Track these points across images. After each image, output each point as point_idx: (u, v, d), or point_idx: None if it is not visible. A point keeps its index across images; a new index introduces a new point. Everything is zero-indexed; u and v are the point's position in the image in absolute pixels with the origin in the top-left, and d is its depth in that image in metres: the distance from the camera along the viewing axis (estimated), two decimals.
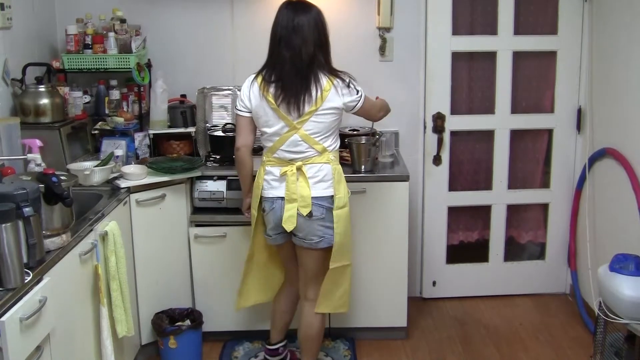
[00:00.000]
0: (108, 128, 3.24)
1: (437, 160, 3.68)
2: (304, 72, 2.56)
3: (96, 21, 3.29)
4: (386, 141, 3.39)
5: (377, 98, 2.94)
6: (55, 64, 3.19)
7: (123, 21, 3.27)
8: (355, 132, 3.39)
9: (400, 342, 3.37)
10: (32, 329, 1.90)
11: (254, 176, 2.78)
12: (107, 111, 3.35)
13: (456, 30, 3.57)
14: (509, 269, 3.87)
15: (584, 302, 3.60)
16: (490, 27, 3.59)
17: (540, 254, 3.90)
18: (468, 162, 3.80)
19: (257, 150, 2.95)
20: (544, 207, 3.84)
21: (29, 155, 2.64)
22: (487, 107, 3.70)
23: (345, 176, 2.91)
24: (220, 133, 3.29)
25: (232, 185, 3.10)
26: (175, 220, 3.13)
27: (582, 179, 3.60)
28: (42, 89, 2.97)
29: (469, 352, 3.28)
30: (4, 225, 1.83)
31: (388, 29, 3.57)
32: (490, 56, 3.62)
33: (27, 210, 1.93)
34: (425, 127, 3.66)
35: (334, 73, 2.62)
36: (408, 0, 3.53)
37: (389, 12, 3.51)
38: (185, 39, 3.56)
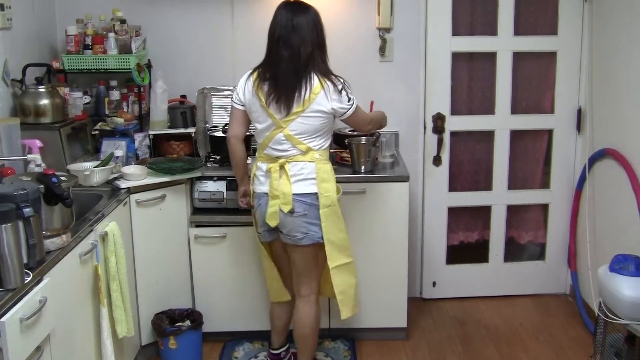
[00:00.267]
0: (108, 128, 3.24)
1: (437, 160, 3.68)
2: (300, 72, 2.58)
3: (96, 22, 3.29)
4: (386, 141, 3.39)
5: (371, 104, 2.91)
6: (55, 65, 3.19)
7: (123, 22, 3.27)
8: (355, 133, 3.38)
9: (400, 343, 3.37)
10: (32, 330, 1.90)
11: (247, 164, 2.85)
12: (107, 112, 3.35)
13: (456, 31, 3.57)
14: (509, 269, 3.86)
15: (584, 302, 3.59)
16: (490, 28, 3.59)
17: (540, 255, 3.90)
18: (468, 162, 3.80)
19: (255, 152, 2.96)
20: (544, 207, 3.84)
21: (29, 156, 2.64)
22: (487, 108, 3.70)
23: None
24: (220, 133, 3.29)
25: (232, 185, 3.10)
26: (175, 220, 3.13)
27: (582, 180, 3.60)
28: (42, 90, 2.97)
29: (469, 352, 3.28)
30: (4, 225, 1.83)
31: (388, 30, 3.57)
32: (490, 56, 3.62)
33: (27, 210, 1.93)
34: (425, 128, 3.66)
35: (328, 76, 2.61)
36: (408, 0, 3.53)
37: (389, 12, 3.51)
38: (185, 39, 3.56)
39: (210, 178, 3.16)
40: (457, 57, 3.61)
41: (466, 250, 3.90)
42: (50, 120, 2.98)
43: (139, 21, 3.43)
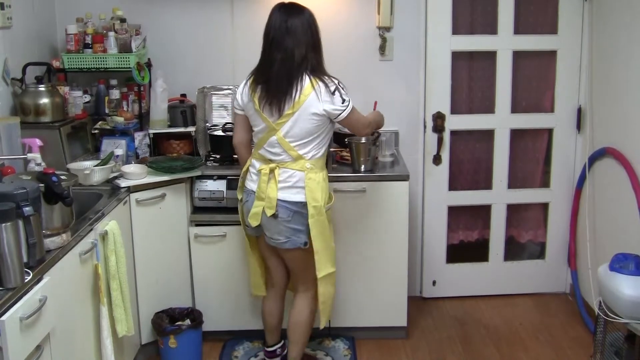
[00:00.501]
0: (108, 127, 3.24)
1: (437, 159, 3.68)
2: (292, 74, 2.55)
3: (96, 21, 3.29)
4: (386, 141, 3.39)
5: (375, 104, 2.90)
6: (55, 64, 3.19)
7: (123, 21, 3.27)
8: None
9: (400, 342, 3.37)
10: (32, 329, 1.90)
11: None
12: (107, 110, 3.35)
13: (456, 30, 3.57)
14: (509, 268, 3.87)
15: (584, 301, 3.60)
16: (490, 27, 3.59)
17: (540, 254, 3.90)
18: (468, 161, 3.80)
19: None
20: (544, 206, 3.84)
21: (29, 155, 2.64)
22: (487, 107, 3.70)
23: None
24: (220, 132, 3.29)
25: (232, 184, 3.10)
26: (175, 219, 3.13)
27: (582, 179, 3.60)
28: (42, 89, 2.97)
29: (469, 351, 3.28)
30: (4, 224, 1.83)
31: (388, 29, 3.57)
32: (490, 56, 3.62)
33: (27, 209, 1.93)
34: (425, 127, 3.66)
35: (320, 77, 2.57)
36: None
37: (389, 11, 3.51)
38: (185, 38, 3.56)
39: (210, 177, 3.17)
40: (457, 56, 3.61)
41: (466, 249, 3.90)
42: (50, 119, 2.98)
43: (139, 20, 3.43)
